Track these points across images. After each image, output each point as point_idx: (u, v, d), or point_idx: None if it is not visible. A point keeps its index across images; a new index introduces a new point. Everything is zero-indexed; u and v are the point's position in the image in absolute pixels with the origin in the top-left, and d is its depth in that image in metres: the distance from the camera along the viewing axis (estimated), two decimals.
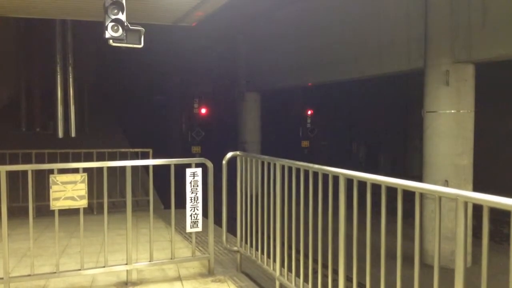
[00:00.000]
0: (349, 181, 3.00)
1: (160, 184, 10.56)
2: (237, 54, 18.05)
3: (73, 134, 13.41)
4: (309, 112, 23.71)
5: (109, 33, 4.68)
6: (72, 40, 13.70)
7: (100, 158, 8.00)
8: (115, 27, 4.69)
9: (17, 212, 6.34)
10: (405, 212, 2.58)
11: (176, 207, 4.52)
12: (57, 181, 3.88)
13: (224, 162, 4.70)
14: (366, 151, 22.13)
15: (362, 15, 11.12)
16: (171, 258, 4.54)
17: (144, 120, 22.84)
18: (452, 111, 8.68)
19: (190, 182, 4.42)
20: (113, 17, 4.66)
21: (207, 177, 4.52)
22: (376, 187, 2.74)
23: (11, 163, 7.27)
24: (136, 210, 6.02)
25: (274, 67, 15.37)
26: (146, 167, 5.55)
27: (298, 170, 3.63)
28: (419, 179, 8.74)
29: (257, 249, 4.41)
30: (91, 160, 7.73)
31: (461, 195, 2.15)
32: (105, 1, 4.66)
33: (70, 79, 13.64)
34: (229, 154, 4.72)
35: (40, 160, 7.59)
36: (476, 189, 7.88)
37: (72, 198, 3.92)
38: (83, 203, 3.98)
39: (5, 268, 3.86)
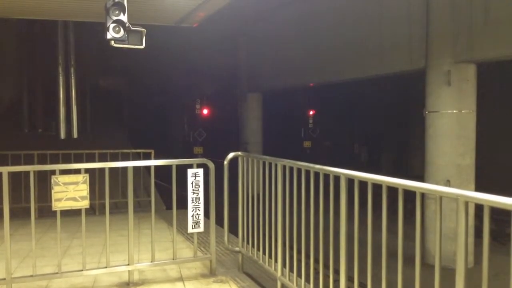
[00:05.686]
0: (350, 181, 3.00)
1: (162, 185, 10.55)
2: (238, 54, 18.06)
3: (75, 135, 13.44)
4: (311, 113, 23.72)
5: (110, 34, 4.70)
6: (74, 41, 13.74)
7: (102, 159, 8.02)
8: (117, 28, 4.70)
9: (19, 213, 6.36)
10: (408, 212, 2.58)
11: (178, 208, 4.53)
12: (59, 182, 3.89)
13: (225, 162, 4.70)
14: (368, 151, 22.11)
15: (363, 15, 11.11)
16: (173, 259, 4.54)
17: (146, 121, 22.87)
18: (454, 111, 8.67)
19: (192, 183, 4.43)
20: (115, 18, 4.68)
21: (209, 177, 4.52)
22: (377, 187, 2.74)
23: (13, 164, 7.28)
24: (138, 211, 6.02)
25: (275, 68, 15.37)
26: (148, 168, 5.56)
27: (299, 170, 3.63)
28: (421, 179, 8.72)
29: (258, 249, 4.41)
30: (93, 161, 7.74)
31: (462, 195, 2.14)
32: (106, 2, 4.68)
33: (72, 80, 13.69)
34: (231, 155, 4.72)
35: (42, 161, 7.61)
36: (478, 189, 7.86)
37: (74, 199, 3.93)
38: (85, 203, 3.99)
39: (7, 268, 3.87)
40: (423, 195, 2.46)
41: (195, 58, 19.93)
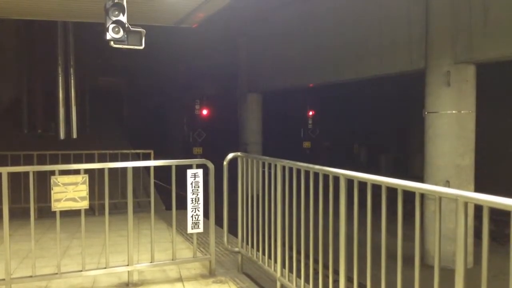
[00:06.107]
0: (350, 181, 3.00)
1: (162, 185, 10.53)
2: (238, 54, 18.05)
3: (74, 136, 13.45)
4: (311, 113, 23.71)
5: (110, 35, 4.70)
6: (74, 41, 13.74)
7: (102, 159, 8.02)
8: (116, 29, 4.71)
9: (18, 214, 6.35)
10: (408, 213, 2.58)
11: (177, 208, 4.53)
12: (59, 182, 3.89)
13: (225, 163, 4.70)
14: (368, 152, 22.10)
15: (363, 16, 11.11)
16: (172, 259, 4.54)
17: (146, 121, 22.86)
18: (453, 111, 8.67)
19: (191, 183, 4.43)
20: (114, 18, 4.68)
21: (208, 178, 4.52)
22: (376, 187, 2.74)
23: (12, 164, 7.27)
24: (138, 211, 6.02)
25: (275, 68, 15.37)
26: (147, 169, 5.56)
27: (298, 171, 3.63)
28: (421, 179, 8.73)
29: (258, 250, 4.41)
30: (92, 161, 7.74)
31: (461, 196, 2.14)
32: (106, 3, 4.68)
33: (72, 81, 13.69)
34: (230, 155, 4.72)
35: (41, 161, 7.60)
36: (478, 189, 7.86)
37: (74, 200, 3.93)
38: (84, 204, 3.98)
39: (6, 269, 3.87)
40: (422, 196, 2.46)
41: (195, 58, 19.92)
